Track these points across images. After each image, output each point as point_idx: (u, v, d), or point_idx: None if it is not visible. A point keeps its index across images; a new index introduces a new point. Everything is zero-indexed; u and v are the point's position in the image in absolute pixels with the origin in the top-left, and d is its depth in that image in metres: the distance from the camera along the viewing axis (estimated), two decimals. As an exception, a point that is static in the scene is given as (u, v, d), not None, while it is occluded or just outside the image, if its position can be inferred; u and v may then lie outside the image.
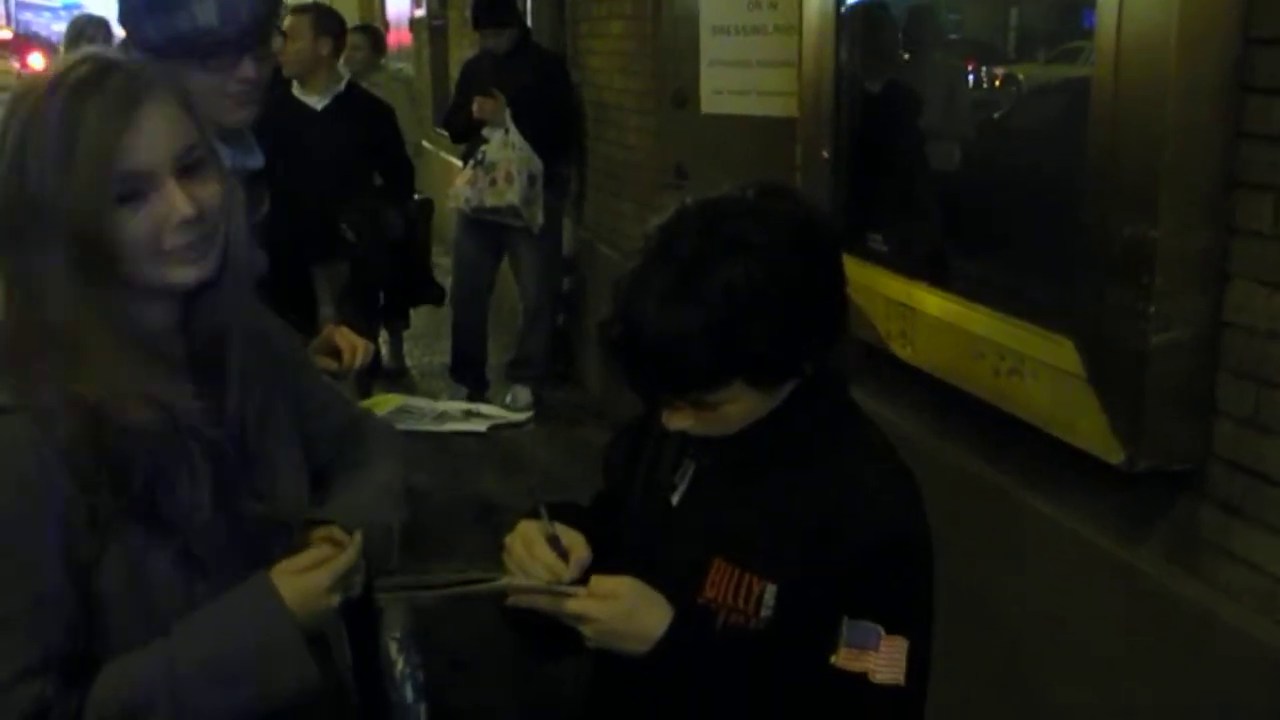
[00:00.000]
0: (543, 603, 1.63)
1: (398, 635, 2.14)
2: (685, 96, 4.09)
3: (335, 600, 1.57)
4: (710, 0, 3.97)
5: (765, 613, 1.64)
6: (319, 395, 1.88)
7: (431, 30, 11.37)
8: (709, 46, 4.00)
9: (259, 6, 2.18)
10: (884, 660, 1.58)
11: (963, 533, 3.03)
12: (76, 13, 7.05)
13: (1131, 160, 2.31)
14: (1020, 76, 3.22)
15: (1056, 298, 2.63)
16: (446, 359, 6.99)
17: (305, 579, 1.54)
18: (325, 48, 5.41)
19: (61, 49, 6.74)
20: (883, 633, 1.59)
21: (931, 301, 3.06)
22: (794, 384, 1.65)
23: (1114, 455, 2.39)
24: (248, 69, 2.18)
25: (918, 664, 1.60)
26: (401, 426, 2.25)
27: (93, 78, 1.43)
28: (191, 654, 1.47)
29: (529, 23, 6.90)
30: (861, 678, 1.57)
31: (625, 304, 1.58)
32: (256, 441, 1.63)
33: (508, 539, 1.71)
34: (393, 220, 5.73)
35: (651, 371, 1.60)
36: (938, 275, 3.11)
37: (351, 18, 8.06)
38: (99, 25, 6.52)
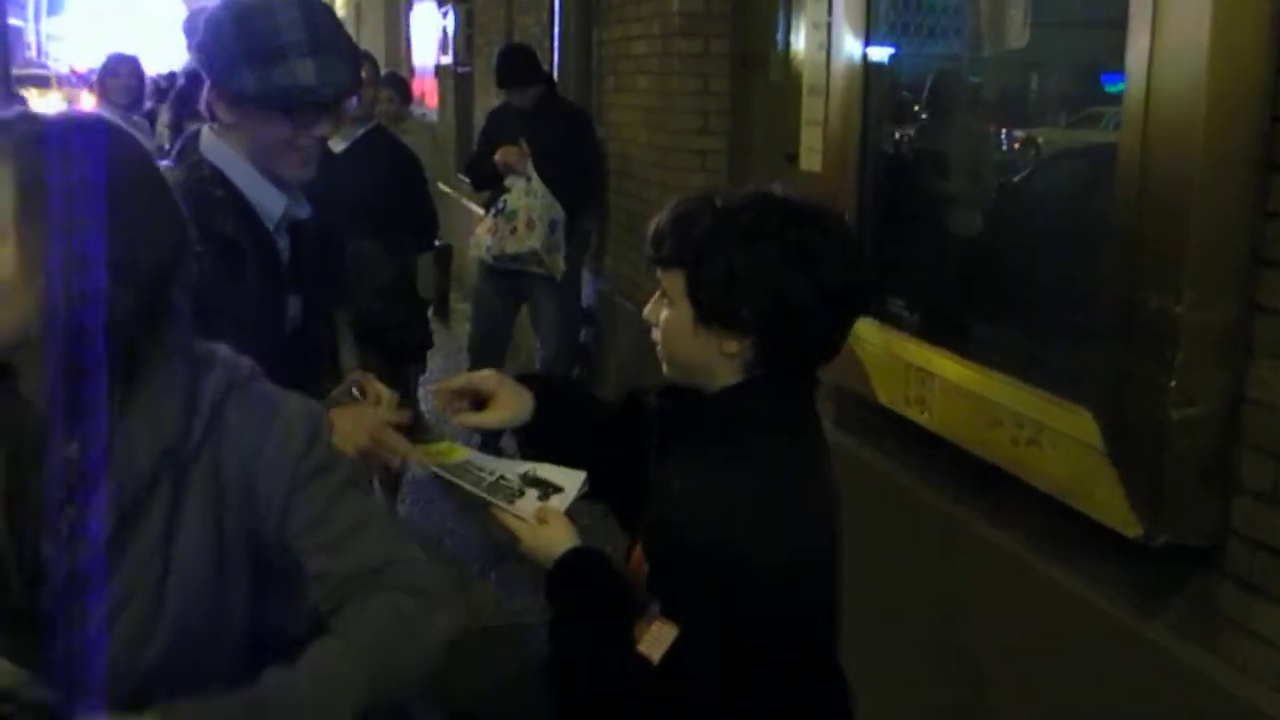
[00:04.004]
0: (496, 517, 2.03)
1: None
2: (793, 154, 4.18)
3: None
4: (809, 63, 4.00)
5: (644, 588, 1.91)
6: (332, 526, 1.58)
7: (456, 77, 11.47)
8: (807, 105, 4.03)
9: (353, 70, 2.25)
10: (651, 636, 1.80)
11: (977, 599, 3.03)
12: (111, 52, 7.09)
13: (1156, 234, 2.32)
14: (1043, 142, 3.23)
15: (1076, 368, 2.63)
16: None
17: None
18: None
19: (94, 89, 6.79)
20: (658, 612, 1.82)
21: (951, 368, 3.06)
22: (733, 372, 1.91)
23: (1131, 529, 2.38)
24: (325, 126, 2.24)
25: (683, 656, 1.77)
26: (456, 483, 2.17)
27: None
28: None
29: (555, 76, 6.95)
30: (632, 640, 1.83)
31: None
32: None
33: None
34: (380, 268, 5.71)
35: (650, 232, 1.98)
36: (957, 342, 3.12)
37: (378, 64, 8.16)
38: (130, 66, 6.57)
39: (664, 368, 2.03)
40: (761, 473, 1.87)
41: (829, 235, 1.90)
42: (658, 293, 1.97)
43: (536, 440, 2.20)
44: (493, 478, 2.11)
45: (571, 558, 1.94)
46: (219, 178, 2.24)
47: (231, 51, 2.15)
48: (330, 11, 2.27)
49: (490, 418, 2.19)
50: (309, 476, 1.58)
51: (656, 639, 1.79)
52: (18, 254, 1.40)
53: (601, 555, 1.99)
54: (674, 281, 1.91)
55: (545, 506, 2.01)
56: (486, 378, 2.22)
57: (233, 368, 1.59)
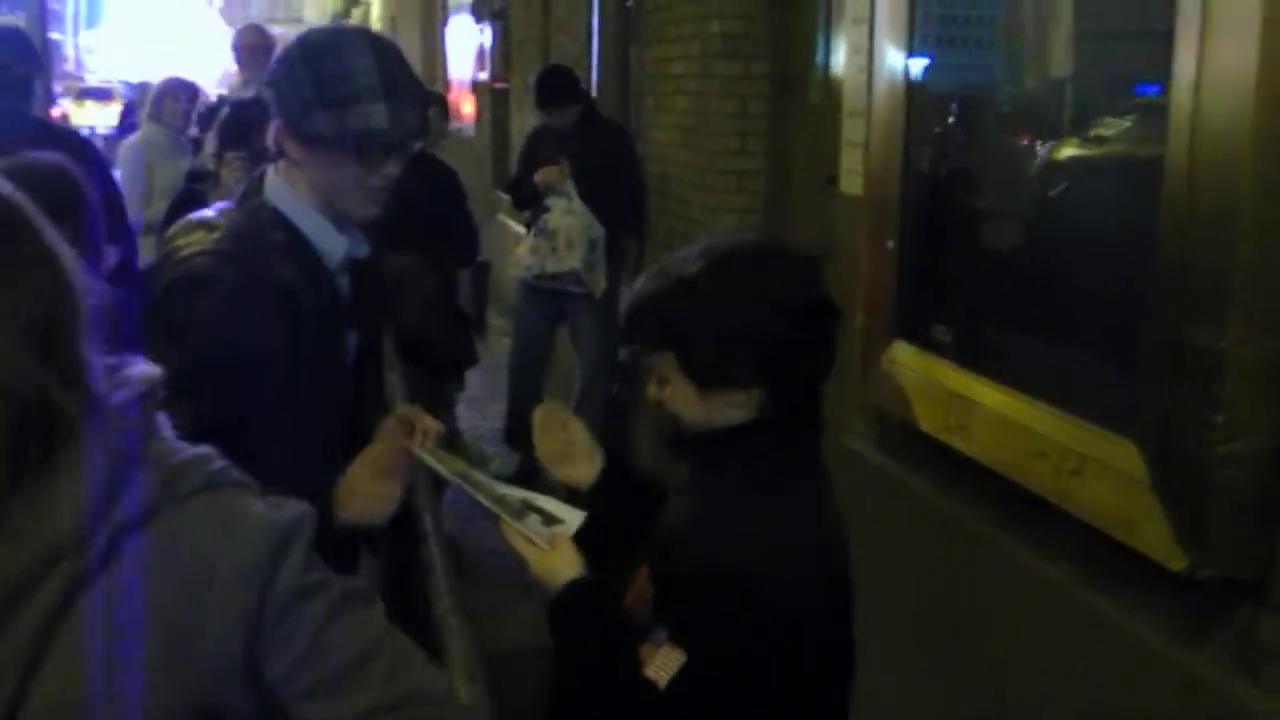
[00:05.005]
0: (506, 533, 2.03)
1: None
2: (832, 177, 4.20)
3: None
4: (850, 85, 4.02)
5: (649, 611, 1.96)
6: (326, 662, 1.32)
7: (493, 93, 11.52)
8: (847, 128, 4.05)
9: (422, 113, 2.29)
10: (658, 661, 1.84)
11: (1018, 627, 3.03)
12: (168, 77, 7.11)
13: (1203, 266, 2.31)
14: (1086, 161, 3.21)
15: (1121, 399, 2.62)
16: (500, 423, 7.02)
17: None
18: None
19: (145, 112, 6.78)
20: (665, 638, 1.86)
21: (993, 396, 3.06)
22: (748, 413, 1.94)
23: (1175, 562, 2.38)
24: (394, 167, 2.28)
25: (689, 683, 1.81)
26: (458, 485, 2.19)
27: None
28: None
29: (594, 94, 6.98)
30: (639, 665, 1.86)
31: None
32: None
33: (539, 410, 2.25)
34: (422, 283, 5.72)
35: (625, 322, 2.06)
36: (1000, 369, 3.12)
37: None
38: (186, 90, 6.58)
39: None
40: (769, 503, 1.92)
41: (783, 267, 1.98)
42: (653, 376, 2.03)
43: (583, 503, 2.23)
44: (494, 493, 2.14)
45: (576, 587, 1.97)
46: (281, 222, 2.28)
47: (305, 94, 2.18)
48: (399, 54, 2.30)
49: (571, 474, 2.23)
50: (287, 602, 1.30)
51: (664, 664, 1.83)
52: None
53: (605, 585, 2.03)
54: (667, 362, 1.98)
55: (557, 533, 2.04)
56: (582, 436, 2.25)
57: (185, 474, 1.31)
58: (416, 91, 2.29)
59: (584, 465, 2.23)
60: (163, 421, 1.35)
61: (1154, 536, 2.43)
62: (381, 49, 2.23)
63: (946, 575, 3.37)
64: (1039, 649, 2.94)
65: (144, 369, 1.34)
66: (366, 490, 2.17)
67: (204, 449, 1.36)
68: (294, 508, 1.37)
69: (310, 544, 1.36)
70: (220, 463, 1.36)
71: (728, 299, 1.91)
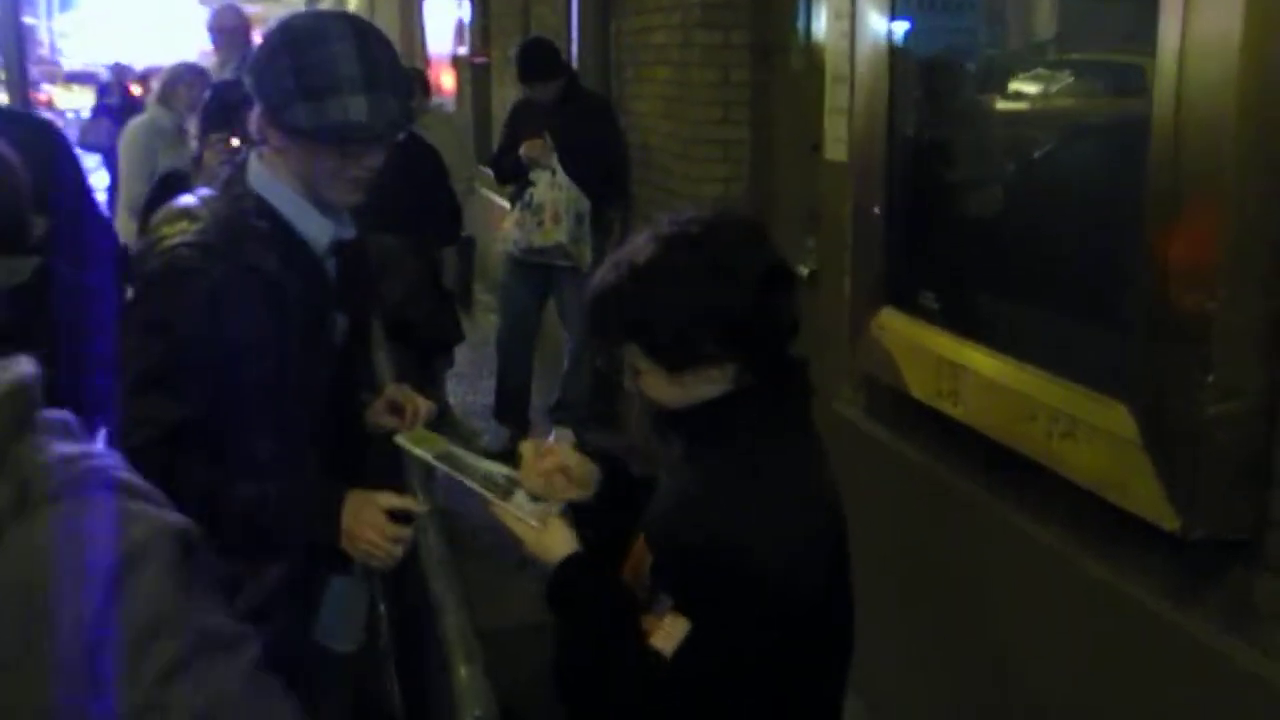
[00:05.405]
0: (497, 513, 2.09)
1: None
2: (817, 144, 4.19)
3: None
4: (832, 51, 4.00)
5: (647, 583, 1.98)
6: (137, 682, 1.07)
7: (474, 68, 11.47)
8: (831, 94, 4.03)
9: (405, 104, 2.28)
10: (664, 630, 1.86)
11: (1011, 591, 3.04)
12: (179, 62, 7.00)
13: (1191, 226, 2.31)
14: (1072, 124, 3.21)
15: (1112, 361, 2.63)
16: (489, 398, 7.01)
17: None
18: None
19: (154, 95, 6.65)
20: (670, 607, 1.87)
21: (983, 361, 3.06)
22: (724, 387, 1.97)
23: (1168, 522, 2.39)
24: (376, 158, 2.28)
25: (695, 651, 1.83)
26: (445, 472, 2.21)
27: None
28: None
29: (575, 66, 6.95)
30: (645, 634, 1.88)
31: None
32: None
33: (524, 446, 2.19)
34: (405, 263, 5.70)
35: (587, 320, 2.06)
36: (989, 334, 3.12)
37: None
38: (199, 77, 6.48)
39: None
40: (757, 472, 1.95)
41: (725, 236, 1.99)
42: (627, 367, 2.05)
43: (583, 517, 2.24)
44: (480, 473, 2.18)
45: (572, 563, 2.01)
46: (265, 209, 2.27)
47: (286, 84, 2.17)
48: (386, 43, 2.29)
49: (569, 494, 2.21)
50: (131, 639, 1.08)
51: (669, 633, 1.85)
52: None
53: (601, 559, 2.06)
54: (633, 352, 2.00)
55: (546, 510, 2.09)
56: (575, 459, 2.23)
57: (38, 479, 1.12)
58: (400, 81, 2.28)
59: (581, 484, 2.22)
60: (47, 421, 1.18)
61: (1146, 497, 2.44)
62: (365, 37, 2.22)
63: (939, 540, 3.38)
64: (1032, 612, 2.95)
65: (17, 369, 1.15)
66: (371, 540, 2.23)
67: (79, 446, 1.18)
68: (154, 523, 1.15)
69: (177, 563, 1.13)
70: (91, 462, 1.16)
71: (679, 279, 1.94)
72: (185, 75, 6.49)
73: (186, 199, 2.31)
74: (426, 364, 6.45)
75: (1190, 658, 2.46)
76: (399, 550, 2.25)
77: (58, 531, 1.09)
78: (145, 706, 1.06)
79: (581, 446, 2.25)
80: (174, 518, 1.17)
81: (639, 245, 2.00)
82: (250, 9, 8.46)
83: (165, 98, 6.42)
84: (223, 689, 1.12)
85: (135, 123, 6.45)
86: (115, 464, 1.17)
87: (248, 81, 2.24)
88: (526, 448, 2.20)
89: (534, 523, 2.05)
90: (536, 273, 6.48)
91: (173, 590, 1.11)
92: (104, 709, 1.06)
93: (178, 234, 2.20)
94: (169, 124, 6.26)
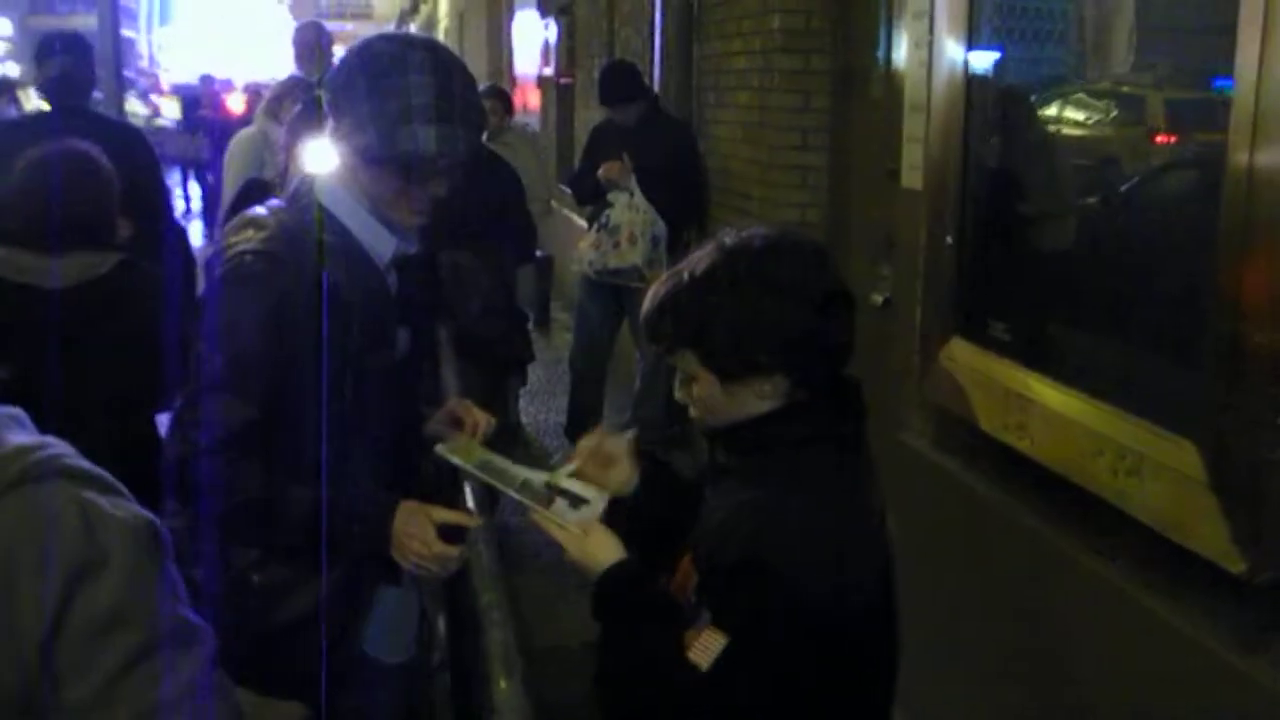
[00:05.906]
0: (539, 521, 2.11)
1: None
2: (894, 171, 4.19)
3: None
4: (911, 80, 4.00)
5: (692, 599, 1.98)
6: (91, 674, 1.11)
7: (559, 88, 11.55)
8: (908, 122, 4.03)
9: (473, 139, 2.30)
10: (701, 644, 1.86)
11: (1074, 628, 3.00)
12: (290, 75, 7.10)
13: (1264, 265, 2.28)
14: (1153, 165, 3.17)
15: (1181, 399, 2.59)
16: (562, 417, 7.04)
17: None
18: None
19: (262, 107, 6.73)
20: (708, 621, 1.88)
21: (1051, 394, 3.03)
22: (775, 402, 1.98)
23: (1234, 564, 2.35)
24: (439, 187, 2.32)
25: (731, 666, 1.84)
26: (490, 483, 2.24)
27: None
28: None
29: (657, 88, 6.98)
30: (684, 647, 1.88)
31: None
32: None
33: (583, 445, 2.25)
34: (479, 280, 5.73)
35: (645, 326, 2.08)
36: (1059, 367, 3.09)
37: (479, 73, 8.23)
38: (306, 90, 6.57)
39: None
40: (805, 490, 1.95)
41: (792, 255, 2.01)
42: (679, 375, 2.08)
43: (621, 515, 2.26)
44: (519, 481, 2.20)
45: (618, 571, 2.02)
46: (330, 221, 2.31)
47: (359, 108, 2.20)
48: (463, 73, 2.31)
49: (610, 481, 2.25)
50: (91, 631, 1.11)
51: (705, 647, 1.86)
52: None
53: (645, 568, 2.07)
54: (688, 361, 2.03)
55: (587, 517, 2.11)
56: (616, 442, 2.30)
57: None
58: (472, 115, 2.30)
59: (620, 471, 2.25)
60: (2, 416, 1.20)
61: (1212, 538, 2.40)
62: (443, 67, 2.24)
63: (1002, 573, 3.34)
64: (1093, 649, 2.91)
65: None
66: (417, 552, 2.25)
67: (35, 437, 1.19)
68: (117, 516, 1.17)
69: (140, 557, 1.15)
70: (46, 452, 1.16)
71: (739, 289, 1.96)
72: (292, 90, 6.59)
73: (257, 209, 2.36)
74: (499, 382, 6.49)
75: (1254, 705, 2.41)
76: (450, 564, 2.27)
77: (18, 519, 1.10)
78: (104, 696, 1.09)
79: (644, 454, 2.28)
80: (137, 511, 1.18)
81: (701, 255, 2.03)
82: (345, 26, 8.58)
83: (273, 110, 6.52)
84: (179, 681, 1.14)
85: (243, 134, 6.57)
86: (70, 453, 1.18)
87: (325, 98, 2.28)
88: (586, 439, 2.25)
89: (575, 530, 2.07)
90: (611, 293, 6.50)
91: (134, 584, 1.13)
92: (62, 697, 1.08)
93: (244, 241, 2.25)
94: (276, 136, 6.36)
